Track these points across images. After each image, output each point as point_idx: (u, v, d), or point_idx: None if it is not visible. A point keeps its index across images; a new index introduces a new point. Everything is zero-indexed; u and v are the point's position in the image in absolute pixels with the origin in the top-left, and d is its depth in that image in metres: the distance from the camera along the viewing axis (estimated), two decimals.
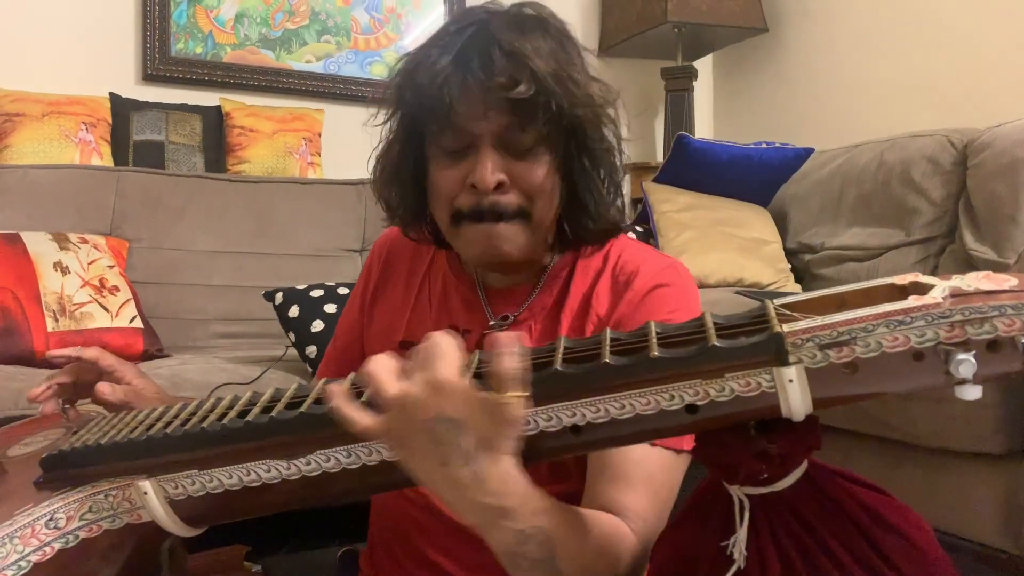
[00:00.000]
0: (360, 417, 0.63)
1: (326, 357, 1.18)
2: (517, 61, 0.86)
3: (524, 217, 0.90)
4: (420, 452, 0.62)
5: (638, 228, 2.67)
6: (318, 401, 0.68)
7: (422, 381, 0.60)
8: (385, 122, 0.97)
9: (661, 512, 0.84)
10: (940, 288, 0.51)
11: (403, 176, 0.97)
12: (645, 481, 0.83)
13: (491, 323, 0.99)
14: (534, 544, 0.66)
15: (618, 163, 0.98)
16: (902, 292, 0.54)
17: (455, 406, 0.60)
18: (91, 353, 1.00)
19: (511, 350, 0.59)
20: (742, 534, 0.60)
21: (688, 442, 0.81)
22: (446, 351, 0.61)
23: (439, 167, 0.92)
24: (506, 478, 0.63)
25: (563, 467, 0.91)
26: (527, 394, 0.60)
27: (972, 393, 0.50)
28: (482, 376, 0.61)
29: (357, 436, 0.64)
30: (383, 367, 0.63)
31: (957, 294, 0.50)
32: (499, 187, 0.88)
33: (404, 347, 1.02)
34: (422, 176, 0.96)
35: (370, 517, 1.08)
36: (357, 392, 0.65)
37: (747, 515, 0.60)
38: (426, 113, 0.90)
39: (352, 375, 0.67)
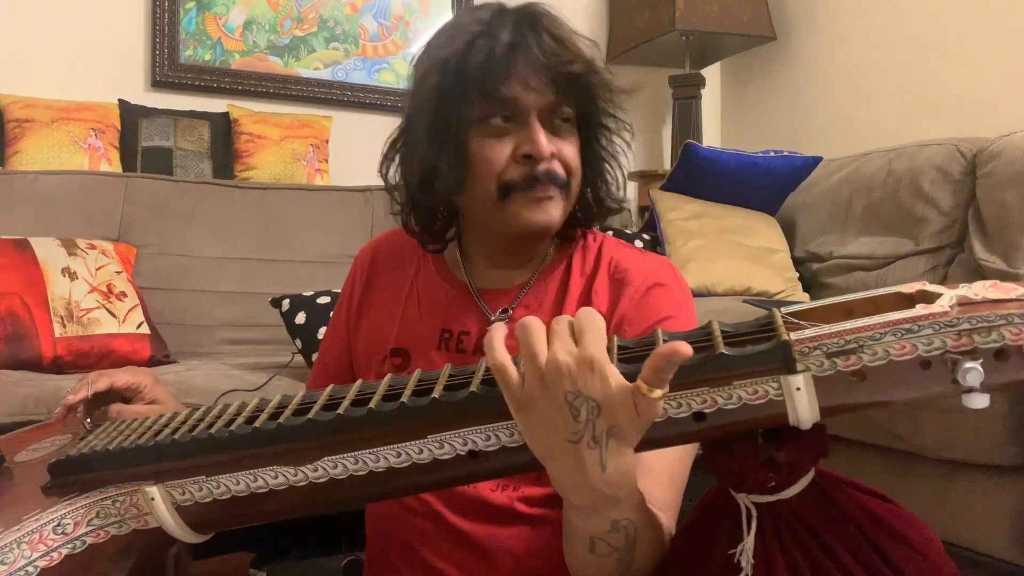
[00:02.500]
0: (506, 360, 0.61)
1: (313, 375, 1.17)
2: (565, 43, 0.94)
3: (566, 189, 0.97)
4: (550, 423, 0.61)
5: (645, 236, 2.67)
6: (326, 407, 0.68)
7: (575, 354, 0.59)
8: (415, 107, 0.98)
9: (679, 499, 0.87)
10: (947, 297, 0.51)
11: (444, 141, 0.97)
12: (667, 472, 0.85)
13: (492, 318, 1.00)
14: (623, 535, 0.67)
15: (626, 148, 1.05)
16: (909, 301, 0.54)
17: (603, 387, 0.59)
18: (102, 383, 0.99)
19: (677, 355, 0.57)
20: (749, 542, 0.59)
21: None
22: (598, 327, 0.60)
23: (485, 143, 0.95)
24: (626, 470, 0.63)
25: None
26: (664, 393, 0.58)
27: (979, 402, 0.50)
28: (625, 362, 0.61)
29: (499, 383, 0.62)
30: (538, 329, 0.62)
31: (964, 303, 0.50)
32: (551, 156, 0.95)
33: (395, 354, 1.03)
34: (462, 149, 0.97)
35: (366, 532, 1.07)
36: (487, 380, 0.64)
37: (754, 523, 0.60)
38: (477, 87, 0.93)
39: (500, 325, 0.66)
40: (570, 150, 0.97)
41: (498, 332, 0.63)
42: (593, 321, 0.61)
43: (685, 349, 0.56)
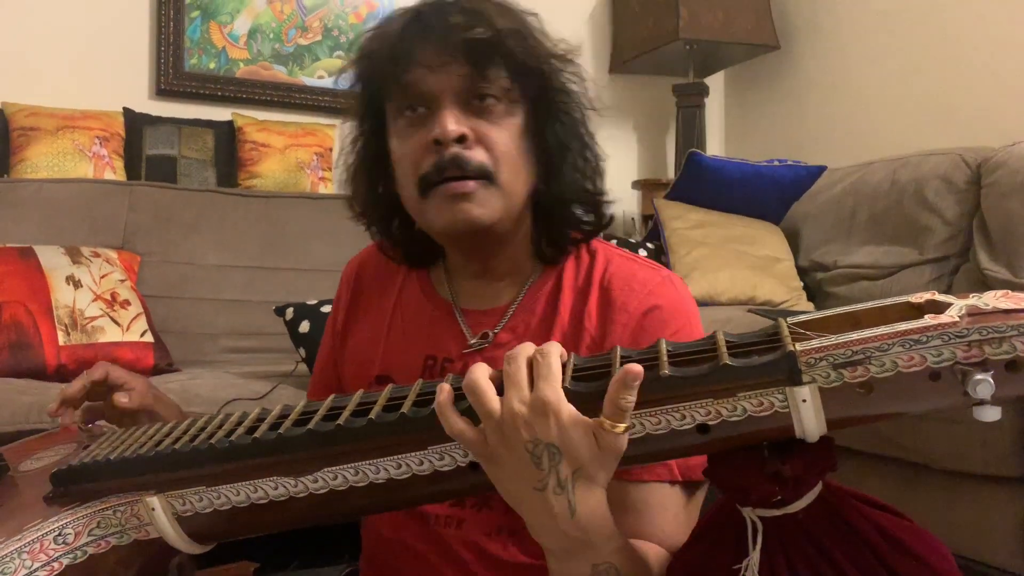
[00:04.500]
0: (461, 426, 0.60)
1: (309, 393, 1.13)
2: (474, 13, 0.84)
3: (489, 179, 0.85)
4: (516, 473, 0.61)
5: (649, 245, 2.66)
6: (326, 418, 0.67)
7: (527, 401, 0.58)
8: (356, 118, 0.95)
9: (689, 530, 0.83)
10: (957, 307, 0.51)
11: (369, 163, 0.94)
12: (672, 522, 0.81)
13: (471, 342, 0.93)
14: None
15: (590, 137, 0.92)
16: (918, 311, 0.54)
17: (560, 431, 0.58)
18: (98, 372, 0.97)
19: (634, 384, 0.56)
20: (755, 557, 0.59)
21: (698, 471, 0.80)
22: (553, 368, 0.59)
23: (402, 138, 0.88)
24: (596, 512, 0.61)
25: None
26: (628, 425, 0.58)
27: (991, 414, 0.49)
28: (583, 381, 0.60)
29: (455, 439, 0.61)
30: (483, 376, 0.60)
31: (975, 313, 0.50)
32: (463, 140, 0.84)
33: (380, 381, 0.96)
34: (388, 163, 0.91)
35: (362, 543, 1.05)
36: (459, 395, 0.62)
37: (760, 538, 0.59)
38: (385, 77, 0.87)
39: (452, 376, 0.65)
40: (499, 133, 0.85)
41: (482, 379, 0.61)
42: (548, 361, 0.59)
43: (635, 369, 0.55)
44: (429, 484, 0.65)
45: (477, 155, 0.84)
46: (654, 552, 0.76)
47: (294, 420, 0.69)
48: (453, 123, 0.83)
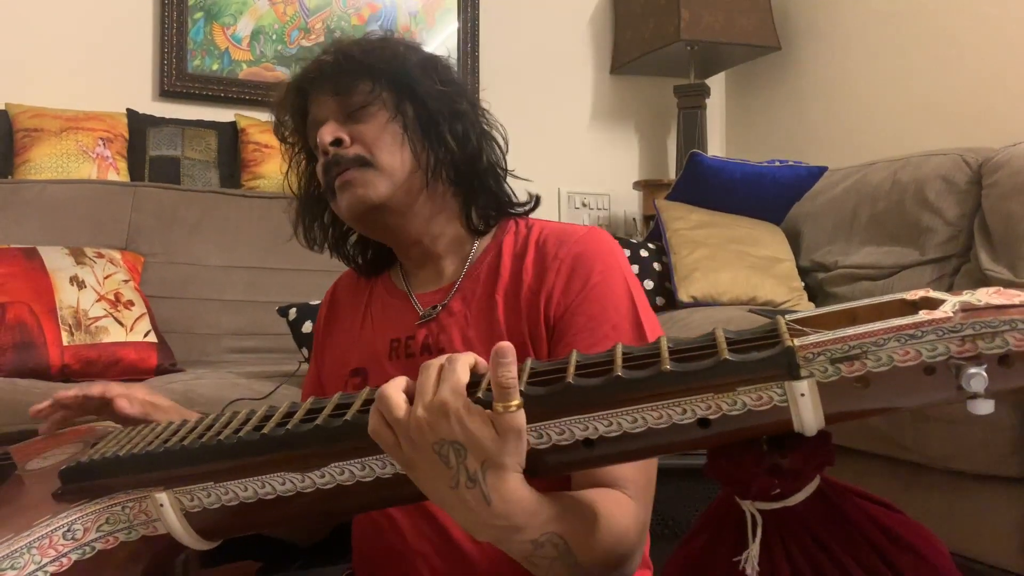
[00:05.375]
0: (384, 432, 0.64)
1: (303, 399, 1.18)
2: (337, 52, 1.01)
3: (366, 164, 0.98)
4: (430, 474, 0.64)
5: (650, 245, 2.67)
6: (333, 414, 0.68)
7: (424, 404, 0.62)
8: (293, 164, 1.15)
9: (649, 469, 0.86)
10: (951, 303, 0.51)
11: (313, 199, 1.12)
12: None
13: (420, 314, 1.02)
14: (549, 547, 0.67)
15: (466, 108, 1.04)
16: (913, 307, 0.54)
17: (460, 428, 0.61)
18: (96, 389, 1.04)
19: (505, 359, 0.60)
20: (754, 550, 0.59)
21: None
22: (457, 373, 0.63)
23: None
24: (512, 497, 0.64)
25: None
26: (520, 402, 0.61)
27: (984, 408, 0.50)
28: (539, 385, 0.62)
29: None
30: (395, 388, 0.64)
31: (968, 308, 0.51)
32: (339, 144, 0.99)
33: (355, 374, 1.05)
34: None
35: (352, 542, 1.07)
36: None
37: (759, 531, 0.60)
38: (298, 124, 1.06)
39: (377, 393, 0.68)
40: (369, 127, 0.99)
41: (392, 391, 0.65)
42: (453, 367, 0.63)
43: (504, 346, 0.60)
44: None
45: (352, 150, 0.99)
46: (609, 499, 0.78)
47: (301, 416, 0.70)
48: (328, 133, 0.99)
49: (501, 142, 1.07)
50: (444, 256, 1.05)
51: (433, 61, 1.05)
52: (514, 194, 1.08)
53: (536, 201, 1.07)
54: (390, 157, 0.99)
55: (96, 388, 1.04)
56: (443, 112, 1.01)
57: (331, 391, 1.05)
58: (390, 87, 1.00)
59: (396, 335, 1.03)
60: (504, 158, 1.07)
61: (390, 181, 0.98)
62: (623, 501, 0.80)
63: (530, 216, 1.08)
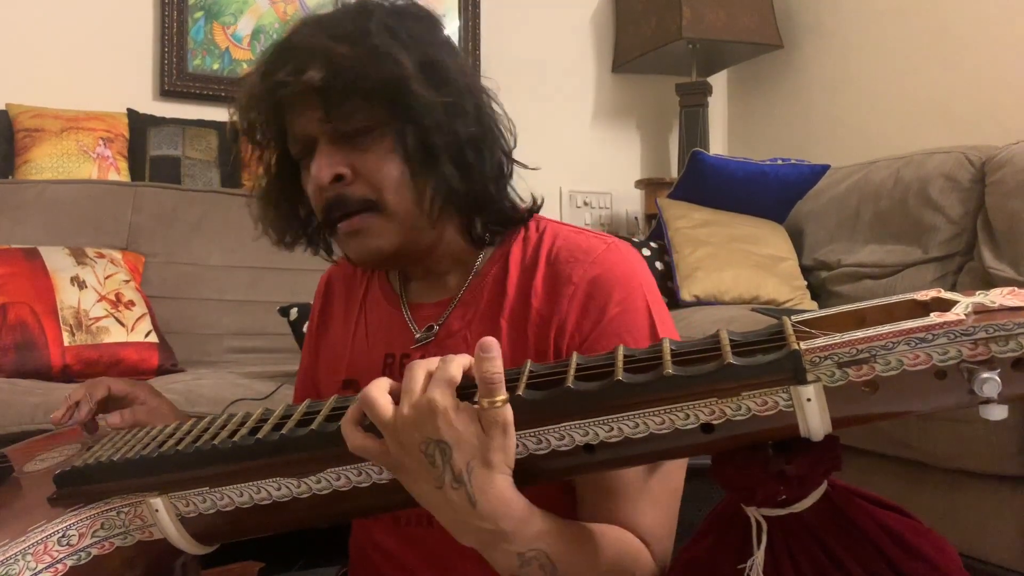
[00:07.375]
0: (362, 441, 0.63)
1: (295, 399, 1.14)
2: (308, 51, 0.83)
3: (375, 208, 0.86)
4: (417, 475, 0.63)
5: (652, 244, 2.66)
6: (329, 419, 0.67)
7: (411, 403, 0.61)
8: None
9: (668, 522, 0.81)
10: (963, 304, 0.50)
11: (289, 191, 0.95)
12: (648, 494, 0.79)
13: (416, 336, 0.94)
14: (536, 566, 0.65)
15: (476, 129, 0.88)
16: (924, 308, 0.53)
17: (446, 427, 0.60)
18: (100, 392, 0.97)
19: (489, 354, 0.59)
20: (760, 557, 0.58)
21: None
22: (450, 372, 0.62)
23: (305, 176, 0.90)
24: (500, 500, 0.62)
25: None
26: (506, 397, 0.60)
27: (997, 413, 0.49)
28: (537, 389, 0.61)
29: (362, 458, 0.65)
30: (379, 390, 0.63)
31: (980, 311, 0.49)
32: (340, 180, 0.85)
33: (347, 386, 0.99)
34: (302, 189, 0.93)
35: (349, 542, 1.05)
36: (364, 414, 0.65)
37: (765, 537, 0.59)
38: (271, 130, 0.90)
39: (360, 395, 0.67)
40: (375, 161, 0.85)
41: (377, 392, 0.63)
42: (445, 366, 0.62)
43: (487, 340, 0.59)
44: None
45: (358, 190, 0.86)
46: (613, 535, 0.74)
47: (297, 420, 0.69)
48: (326, 168, 0.84)
49: (509, 138, 0.94)
50: (448, 271, 0.96)
51: (430, 56, 0.87)
52: (520, 198, 0.96)
53: (540, 204, 0.97)
54: (399, 198, 0.86)
55: (100, 391, 0.97)
56: (450, 140, 0.86)
57: (325, 397, 1.03)
58: (390, 109, 0.85)
59: (391, 350, 0.96)
60: (511, 162, 0.94)
61: (400, 227, 0.87)
62: (636, 545, 0.75)
63: (538, 214, 0.97)
